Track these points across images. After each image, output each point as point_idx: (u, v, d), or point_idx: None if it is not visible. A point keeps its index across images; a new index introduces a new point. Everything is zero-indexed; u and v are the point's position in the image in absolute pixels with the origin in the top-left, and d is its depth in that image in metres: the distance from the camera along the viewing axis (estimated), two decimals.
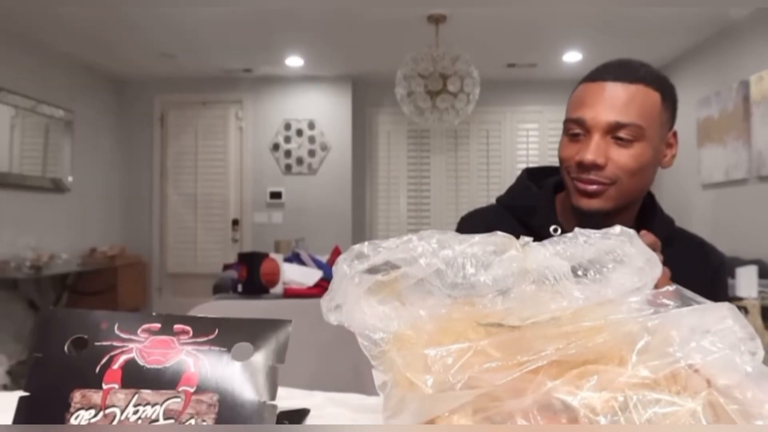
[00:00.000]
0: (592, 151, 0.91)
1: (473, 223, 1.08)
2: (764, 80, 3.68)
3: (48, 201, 4.65)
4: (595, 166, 0.91)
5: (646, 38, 4.42)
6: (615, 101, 0.92)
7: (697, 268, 0.98)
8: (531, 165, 1.21)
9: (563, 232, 0.97)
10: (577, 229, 0.55)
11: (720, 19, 4.00)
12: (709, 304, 0.47)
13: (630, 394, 0.40)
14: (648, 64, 0.99)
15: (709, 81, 4.39)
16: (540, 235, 0.94)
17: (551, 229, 0.99)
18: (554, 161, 1.10)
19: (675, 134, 0.98)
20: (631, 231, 0.54)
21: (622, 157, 0.91)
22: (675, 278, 0.92)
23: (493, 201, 1.16)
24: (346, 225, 5.65)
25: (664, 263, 0.85)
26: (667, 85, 0.96)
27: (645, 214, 1.01)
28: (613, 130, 0.91)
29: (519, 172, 1.15)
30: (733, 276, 2.49)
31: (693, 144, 4.55)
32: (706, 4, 3.74)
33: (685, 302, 0.47)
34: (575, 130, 0.94)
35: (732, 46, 4.11)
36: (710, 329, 0.44)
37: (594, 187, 0.92)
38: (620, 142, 0.91)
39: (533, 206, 1.04)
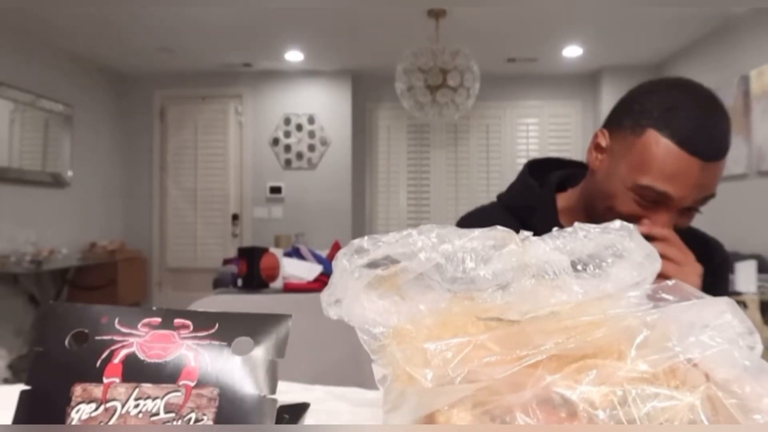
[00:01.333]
0: (666, 227, 0.83)
1: (473, 223, 1.03)
2: (764, 75, 3.68)
3: (48, 196, 4.65)
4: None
5: (647, 33, 4.41)
6: (708, 180, 0.82)
7: (700, 262, 0.96)
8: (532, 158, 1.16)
9: None
10: (576, 224, 0.55)
11: (720, 14, 3.99)
12: (708, 299, 0.47)
13: (629, 389, 0.40)
14: (728, 115, 0.86)
15: (709, 76, 4.38)
16: (541, 234, 0.93)
17: (554, 231, 0.94)
18: (554, 154, 1.08)
19: None
20: (631, 226, 0.54)
21: (682, 224, 0.86)
22: None
23: (492, 196, 1.13)
24: (346, 220, 5.65)
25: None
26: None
27: None
28: (696, 205, 0.85)
29: (520, 167, 1.11)
30: (732, 271, 2.49)
31: None
32: (706, 4, 3.73)
33: (684, 297, 0.47)
34: (649, 196, 0.83)
35: (732, 41, 4.10)
36: (709, 324, 0.44)
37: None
38: (689, 212, 0.86)
39: (534, 206, 1.00)
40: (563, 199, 1.01)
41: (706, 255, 0.99)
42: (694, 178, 0.80)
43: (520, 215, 1.00)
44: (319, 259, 3.01)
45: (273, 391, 0.47)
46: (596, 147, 0.92)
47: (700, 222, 1.05)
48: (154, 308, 0.51)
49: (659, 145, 0.81)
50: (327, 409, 0.70)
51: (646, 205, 0.84)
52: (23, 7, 3.80)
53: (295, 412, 0.61)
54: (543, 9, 3.90)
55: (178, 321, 0.50)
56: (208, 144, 5.71)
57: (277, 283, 2.69)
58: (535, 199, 1.00)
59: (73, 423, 0.45)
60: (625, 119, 0.87)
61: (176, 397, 0.46)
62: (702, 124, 0.82)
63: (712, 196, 0.84)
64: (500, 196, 1.08)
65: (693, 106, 0.83)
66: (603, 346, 0.43)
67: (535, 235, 0.90)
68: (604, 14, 4.03)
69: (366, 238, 0.54)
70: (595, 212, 0.90)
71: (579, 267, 0.51)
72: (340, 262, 0.53)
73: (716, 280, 0.99)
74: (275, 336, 0.49)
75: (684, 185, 0.81)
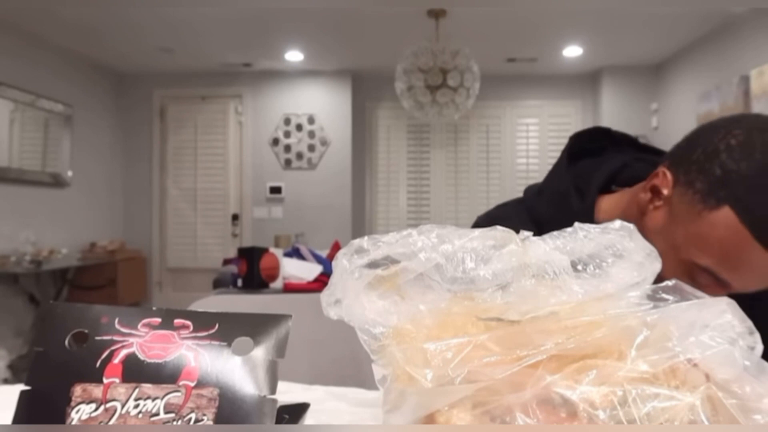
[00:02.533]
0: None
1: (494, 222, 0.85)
2: (764, 75, 3.68)
3: (48, 195, 4.65)
4: None
5: (647, 33, 4.41)
6: None
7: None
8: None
9: None
10: (576, 224, 0.55)
11: (720, 14, 3.99)
12: (708, 299, 0.47)
13: (629, 389, 0.40)
14: None
15: (710, 75, 4.38)
16: None
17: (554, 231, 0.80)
18: (554, 156, 0.99)
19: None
20: (631, 226, 0.54)
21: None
22: None
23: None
24: (346, 220, 5.65)
25: None
26: None
27: None
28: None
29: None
30: None
31: None
32: (706, 4, 3.73)
33: (685, 297, 0.47)
34: (705, 280, 0.70)
35: (732, 41, 4.10)
36: (709, 324, 0.44)
37: None
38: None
39: (567, 222, 0.81)
40: (603, 207, 0.84)
41: None
42: (763, 274, 0.67)
43: (547, 228, 0.85)
44: (319, 259, 3.01)
45: (273, 391, 0.47)
46: (653, 190, 0.76)
47: None
48: (154, 308, 0.51)
49: (733, 231, 0.66)
50: (327, 409, 0.70)
51: (696, 283, 0.68)
52: (23, 7, 3.80)
53: (295, 412, 0.61)
54: (543, 9, 3.90)
55: (178, 321, 0.50)
56: (208, 144, 5.71)
57: (277, 284, 2.69)
58: (572, 216, 0.75)
59: (73, 423, 0.45)
60: (698, 180, 0.69)
61: (176, 398, 0.46)
62: None
63: None
64: (527, 202, 0.90)
65: None
66: (603, 346, 0.43)
67: None
68: (604, 14, 4.03)
69: (366, 238, 0.54)
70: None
71: (579, 267, 0.51)
72: (340, 262, 0.53)
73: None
74: (275, 336, 0.49)
75: (749, 279, 0.68)
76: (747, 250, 0.65)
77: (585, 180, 0.87)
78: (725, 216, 0.66)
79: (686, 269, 0.71)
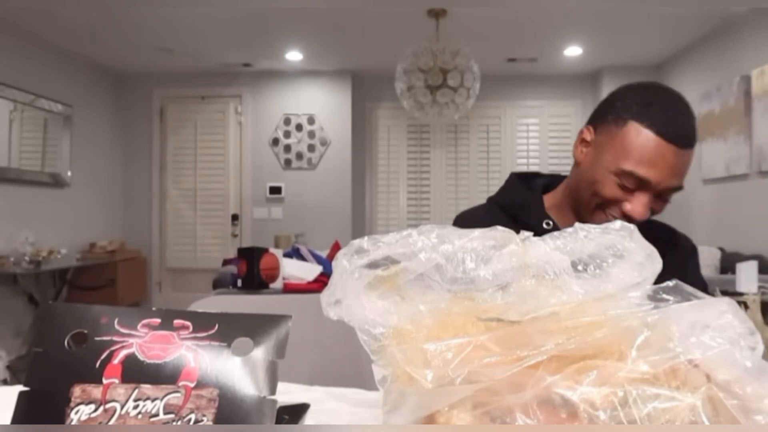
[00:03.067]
0: (645, 211, 0.94)
1: (468, 221, 1.11)
2: (765, 75, 3.68)
3: (47, 196, 4.65)
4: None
5: (647, 33, 4.41)
6: (680, 168, 0.94)
7: (665, 253, 1.00)
8: (519, 170, 1.28)
9: (554, 227, 1.04)
10: (577, 224, 0.55)
11: (721, 13, 3.99)
12: (708, 300, 0.47)
13: (629, 389, 0.40)
14: (693, 113, 1.01)
15: (710, 75, 4.38)
16: (533, 229, 0.99)
17: (544, 223, 1.05)
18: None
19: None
20: (631, 226, 0.54)
21: (658, 208, 0.97)
22: None
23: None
24: (346, 220, 5.65)
25: None
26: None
27: None
28: (668, 193, 0.95)
29: (520, 167, 1.19)
30: (733, 271, 2.49)
31: None
32: (706, 4, 3.73)
33: (685, 297, 0.47)
34: (630, 183, 0.94)
35: (733, 41, 4.10)
36: (710, 324, 0.44)
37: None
38: (663, 198, 0.96)
39: (523, 203, 1.09)
40: (549, 198, 1.12)
41: (671, 245, 1.08)
42: (670, 163, 0.92)
43: (511, 212, 1.09)
44: (319, 260, 3.01)
45: (273, 391, 0.47)
46: (582, 142, 1.04)
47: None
48: (153, 309, 0.51)
49: (640, 135, 0.93)
50: (327, 409, 0.70)
51: (627, 189, 0.94)
52: (23, 7, 3.80)
53: (295, 412, 0.61)
54: (543, 9, 3.90)
55: (177, 322, 0.50)
56: (208, 144, 5.71)
57: (277, 284, 2.69)
58: (524, 197, 1.11)
59: (73, 424, 0.45)
60: (608, 114, 0.99)
61: (176, 398, 0.46)
62: (675, 116, 0.95)
63: (680, 188, 0.95)
64: (492, 198, 1.17)
65: (667, 102, 0.97)
66: (603, 347, 0.43)
67: (526, 228, 0.96)
68: (604, 14, 4.03)
69: (366, 238, 0.54)
70: (581, 201, 1.01)
71: (579, 267, 0.51)
72: (340, 263, 0.52)
73: (686, 266, 1.07)
74: (275, 337, 0.49)
75: (662, 170, 0.92)
76: (652, 144, 0.92)
77: (527, 184, 1.16)
78: (633, 127, 0.94)
79: (617, 180, 0.94)
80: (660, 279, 0.76)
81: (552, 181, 1.16)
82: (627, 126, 0.95)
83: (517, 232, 0.98)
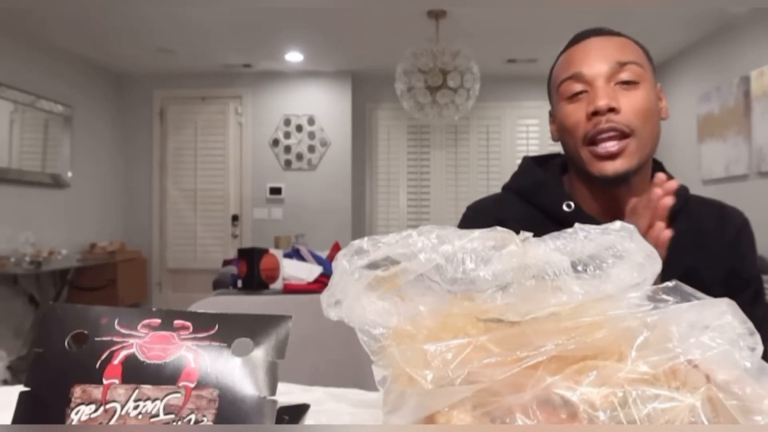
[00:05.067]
0: (602, 96, 0.87)
1: (481, 212, 1.04)
2: (765, 75, 3.68)
3: (47, 196, 4.65)
4: (611, 110, 0.86)
5: (647, 33, 4.40)
6: (608, 49, 0.91)
7: (717, 231, 0.95)
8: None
9: (576, 209, 0.94)
10: (577, 225, 0.55)
11: (720, 14, 3.99)
12: (708, 300, 0.47)
13: (629, 390, 0.40)
14: None
15: (710, 76, 4.38)
16: (552, 212, 0.96)
17: (564, 205, 0.95)
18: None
19: (661, 88, 0.96)
20: (631, 226, 0.54)
21: (631, 100, 0.88)
22: (693, 243, 0.91)
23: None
24: (346, 220, 5.65)
25: (682, 229, 0.85)
26: (642, 44, 0.96)
27: None
28: (615, 73, 0.89)
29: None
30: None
31: (693, 139, 4.55)
32: (706, 4, 3.73)
33: (685, 298, 0.47)
34: (575, 88, 0.91)
35: (732, 42, 4.10)
36: (709, 325, 0.44)
37: (615, 144, 0.87)
38: (625, 86, 0.89)
39: (541, 182, 1.00)
40: (568, 180, 1.03)
41: (721, 220, 0.98)
42: (590, 51, 0.91)
43: (529, 195, 1.00)
44: (319, 260, 3.01)
45: (273, 392, 0.47)
46: (551, 125, 1.02)
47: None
48: (153, 309, 0.51)
49: (560, 62, 0.97)
50: (327, 410, 0.70)
51: (579, 99, 0.90)
52: (23, 7, 3.80)
53: (295, 413, 0.61)
54: (543, 9, 3.90)
55: (177, 322, 0.50)
56: (208, 145, 5.71)
57: (277, 284, 2.69)
58: (541, 177, 1.02)
59: (73, 424, 0.45)
60: (548, 87, 1.02)
61: (176, 399, 0.46)
62: (584, 30, 0.97)
63: (631, 63, 0.89)
64: (506, 186, 1.08)
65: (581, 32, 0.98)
66: (603, 347, 0.43)
67: (546, 213, 0.90)
68: (604, 15, 4.03)
69: (366, 239, 0.54)
70: (574, 156, 0.94)
71: (579, 268, 0.51)
72: (340, 263, 0.52)
73: (740, 242, 0.96)
74: (275, 337, 0.49)
75: (585, 59, 0.90)
76: (571, 52, 0.94)
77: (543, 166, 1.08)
78: (558, 60, 0.98)
79: (566, 103, 0.92)
80: (714, 259, 0.71)
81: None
82: (552, 70, 0.99)
83: (534, 216, 0.94)
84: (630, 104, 0.87)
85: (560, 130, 0.95)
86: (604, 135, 0.87)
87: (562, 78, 0.93)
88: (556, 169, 1.03)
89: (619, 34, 0.94)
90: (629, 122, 0.87)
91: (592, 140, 0.88)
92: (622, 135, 0.87)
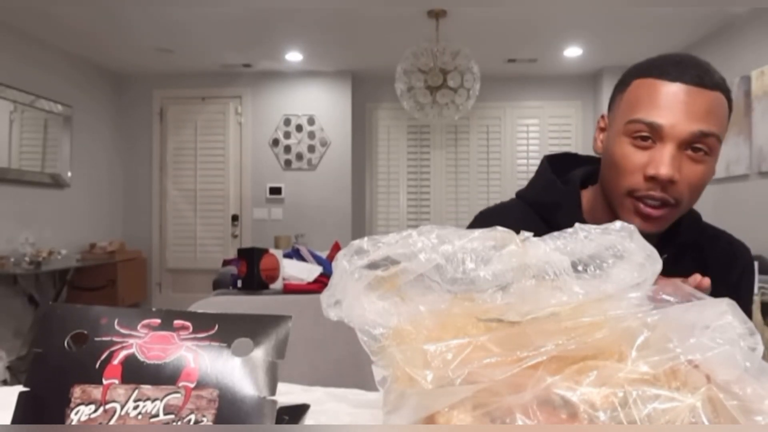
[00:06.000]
0: (669, 164, 0.80)
1: (493, 220, 0.98)
2: (765, 75, 3.68)
3: (47, 196, 4.65)
4: (671, 182, 0.81)
5: (647, 33, 4.41)
6: (697, 108, 0.80)
7: (725, 269, 0.95)
8: (519, 170, 1.14)
9: None
10: (577, 225, 0.55)
11: (721, 14, 3.99)
12: (708, 300, 0.47)
13: (629, 390, 0.40)
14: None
15: None
16: None
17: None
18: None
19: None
20: (632, 227, 0.54)
21: (693, 174, 0.82)
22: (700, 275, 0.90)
23: (492, 197, 1.12)
24: (346, 220, 5.65)
25: (693, 269, 0.83)
26: (730, 93, 0.87)
27: None
28: (691, 142, 0.81)
29: (520, 167, 1.12)
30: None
31: None
32: (706, 4, 3.73)
33: (685, 298, 0.47)
34: (644, 134, 0.82)
35: (733, 41, 4.10)
36: (710, 325, 0.44)
37: (660, 212, 0.83)
38: (695, 155, 0.82)
39: (558, 203, 0.96)
40: (585, 196, 0.99)
41: (731, 259, 0.97)
42: (680, 103, 0.81)
43: (543, 213, 0.97)
44: (318, 260, 3.01)
45: (273, 392, 0.47)
46: (599, 132, 0.95)
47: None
48: (153, 309, 0.51)
49: (643, 85, 0.85)
50: (327, 410, 0.70)
51: (643, 146, 0.83)
52: (23, 7, 3.80)
53: (295, 413, 0.61)
54: (543, 9, 3.90)
55: (177, 322, 0.50)
56: (208, 145, 5.71)
57: (277, 284, 2.69)
58: (560, 196, 0.97)
59: (72, 424, 0.45)
60: (615, 92, 0.92)
61: (176, 399, 0.46)
62: (680, 58, 0.85)
63: (711, 135, 0.81)
64: (521, 194, 1.03)
65: (670, 53, 0.88)
66: (603, 348, 0.43)
67: (560, 230, 0.91)
68: (604, 15, 4.03)
69: (366, 238, 0.53)
70: (611, 192, 0.89)
71: (579, 268, 0.51)
72: (340, 263, 0.52)
73: (741, 285, 0.97)
74: (275, 337, 0.49)
75: (672, 110, 0.81)
76: (656, 88, 0.83)
77: (563, 174, 1.02)
78: (635, 84, 0.86)
79: (628, 140, 0.85)
80: (714, 293, 0.69)
81: (592, 172, 1.00)
82: (630, 86, 0.87)
83: (545, 233, 0.94)
84: (689, 178, 0.82)
85: (608, 159, 0.89)
86: (652, 201, 0.84)
87: (636, 117, 0.84)
88: (576, 186, 0.98)
89: (718, 88, 0.83)
90: (680, 195, 0.83)
91: (639, 198, 0.85)
92: (667, 204, 0.84)
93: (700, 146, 0.81)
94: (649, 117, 0.82)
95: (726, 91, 0.84)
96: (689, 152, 0.82)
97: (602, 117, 0.95)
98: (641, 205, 0.84)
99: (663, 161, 0.80)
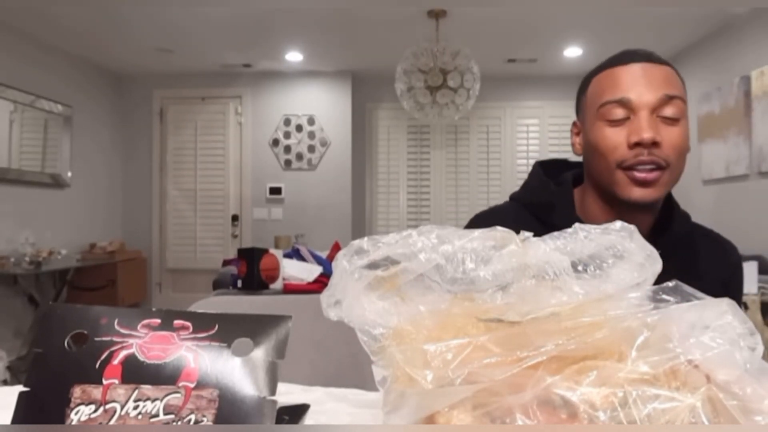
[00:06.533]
0: (647, 127, 0.87)
1: (489, 222, 0.99)
2: (765, 75, 3.68)
3: (47, 196, 4.65)
4: (654, 144, 0.87)
5: (647, 33, 4.41)
6: (656, 78, 0.90)
7: (714, 268, 0.98)
8: (519, 170, 1.17)
9: None
10: (576, 225, 0.55)
11: (721, 14, 3.99)
12: (708, 300, 0.47)
13: (629, 390, 0.40)
14: None
15: (710, 76, 4.38)
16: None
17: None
18: (554, 155, 1.07)
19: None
20: (632, 227, 0.54)
21: (672, 135, 0.89)
22: (690, 274, 0.91)
23: (492, 197, 1.13)
24: (346, 220, 5.65)
25: (684, 264, 0.86)
26: (678, 72, 0.96)
27: (664, 210, 0.99)
28: (660, 106, 0.89)
29: (520, 167, 1.13)
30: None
31: (694, 139, 4.55)
32: (706, 4, 3.73)
33: (685, 298, 0.47)
34: (617, 113, 0.90)
35: (733, 42, 4.10)
36: (710, 325, 0.44)
37: (654, 175, 0.88)
38: (667, 120, 0.89)
39: (552, 202, 1.00)
40: (578, 195, 1.03)
41: (720, 258, 1.01)
42: (639, 77, 0.90)
43: (538, 213, 1.01)
44: (319, 260, 3.01)
45: (273, 392, 0.47)
46: (574, 136, 1.02)
47: (701, 222, 1.05)
48: (153, 309, 0.51)
49: (603, 77, 0.95)
50: (327, 410, 0.70)
51: (619, 124, 0.90)
52: (23, 7, 3.80)
53: (295, 413, 0.61)
54: (543, 9, 3.90)
55: (177, 322, 0.50)
56: (208, 145, 5.71)
57: (277, 284, 2.69)
58: (553, 196, 1.01)
59: (72, 424, 0.45)
60: (579, 96, 1.01)
61: (176, 399, 0.46)
62: (627, 49, 0.96)
63: (677, 97, 0.90)
64: (515, 196, 1.08)
65: (618, 52, 0.98)
66: (603, 347, 0.43)
67: (556, 230, 0.93)
68: (604, 15, 4.03)
69: (366, 238, 0.54)
70: (602, 179, 0.94)
71: (579, 268, 0.51)
72: (340, 263, 0.52)
73: (730, 285, 1.00)
74: (275, 337, 0.49)
75: (634, 85, 0.90)
76: (614, 74, 0.93)
77: (554, 177, 1.07)
78: (596, 79, 0.96)
79: (604, 123, 0.92)
80: (706, 292, 0.73)
81: (582, 172, 1.06)
82: (591, 84, 0.97)
83: (541, 233, 0.96)
84: (670, 139, 0.89)
85: (590, 149, 0.95)
86: (644, 166, 0.89)
87: (606, 99, 0.92)
88: (569, 185, 1.03)
89: (667, 64, 0.93)
90: (668, 157, 0.89)
91: (630, 167, 0.90)
92: (659, 167, 0.89)
93: (670, 114, 0.89)
94: (617, 95, 0.90)
95: (675, 69, 0.94)
96: (662, 119, 0.90)
97: (574, 123, 1.03)
98: (635, 173, 0.89)
99: (642, 126, 0.88)
